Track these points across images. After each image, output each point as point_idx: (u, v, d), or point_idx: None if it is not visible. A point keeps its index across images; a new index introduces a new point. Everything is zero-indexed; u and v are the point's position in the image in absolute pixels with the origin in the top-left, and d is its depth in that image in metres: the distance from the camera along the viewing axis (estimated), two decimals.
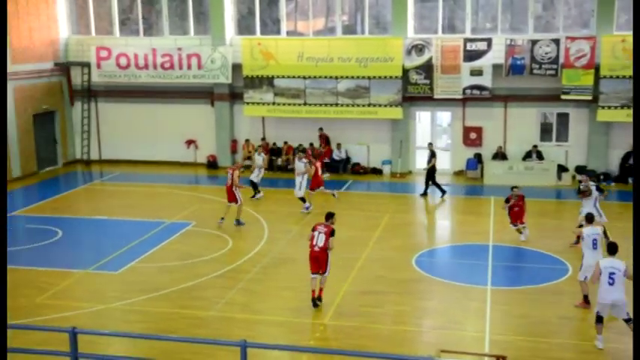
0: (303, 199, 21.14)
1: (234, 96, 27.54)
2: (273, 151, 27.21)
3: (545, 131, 25.61)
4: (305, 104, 26.35)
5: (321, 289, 13.88)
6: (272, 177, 26.32)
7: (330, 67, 25.87)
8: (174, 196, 22.36)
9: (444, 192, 22.75)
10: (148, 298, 14.32)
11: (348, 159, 26.94)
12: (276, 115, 26.94)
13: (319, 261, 13.73)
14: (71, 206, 22.15)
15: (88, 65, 28.05)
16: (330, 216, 14.12)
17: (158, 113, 28.25)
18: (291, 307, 13.97)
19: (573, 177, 24.27)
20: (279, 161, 27.06)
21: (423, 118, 27.48)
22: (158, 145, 28.25)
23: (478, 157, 25.94)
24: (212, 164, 27.71)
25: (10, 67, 25.05)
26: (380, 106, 25.73)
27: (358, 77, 25.76)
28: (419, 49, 25.19)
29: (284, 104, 26.50)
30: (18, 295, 14.52)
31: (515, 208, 17.88)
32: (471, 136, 26.03)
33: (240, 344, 7.68)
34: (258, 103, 26.70)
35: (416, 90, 25.49)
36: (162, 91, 28.00)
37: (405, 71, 25.35)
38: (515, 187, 18.19)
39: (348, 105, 26.02)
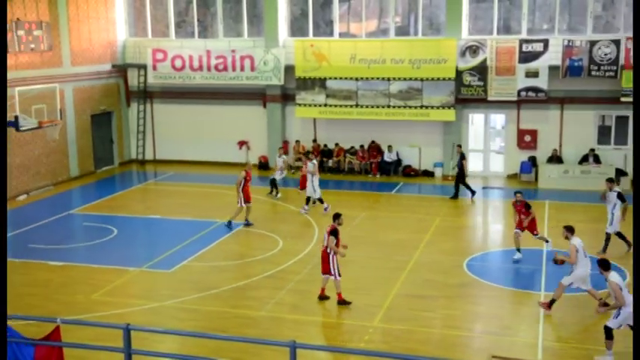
0: (321, 200, 21.20)
1: (286, 97, 27.69)
2: (324, 153, 27.24)
3: (603, 134, 24.95)
4: (357, 106, 26.31)
5: (338, 294, 13.92)
6: (322, 178, 26.32)
7: (383, 68, 25.77)
8: (226, 197, 22.57)
9: (473, 193, 22.67)
10: (200, 297, 14.49)
11: (399, 161, 26.77)
12: (328, 117, 26.97)
13: (322, 260, 14.11)
14: (126, 205, 22.61)
15: (144, 67, 28.61)
16: (335, 217, 14.24)
17: (211, 114, 28.62)
18: (341, 308, 13.94)
19: (632, 181, 23.58)
20: (330, 163, 27.08)
21: (476, 120, 27.13)
22: (211, 146, 28.61)
23: (533, 161, 25.46)
24: (263, 165, 27.91)
25: (70, 69, 25.75)
26: (432, 108, 25.50)
27: (411, 79, 25.58)
28: (473, 50, 24.87)
29: (336, 106, 26.52)
30: (74, 291, 14.89)
31: (522, 216, 16.58)
32: (526, 138, 25.57)
33: (289, 345, 7.68)
34: (309, 105, 26.79)
35: (469, 92, 25.18)
36: (215, 92, 28.36)
37: (459, 73, 25.07)
38: (519, 192, 17.05)
39: (400, 107, 25.87)
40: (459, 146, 23.76)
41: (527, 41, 24.46)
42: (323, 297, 14.18)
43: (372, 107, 26.15)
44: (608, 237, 16.93)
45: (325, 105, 26.62)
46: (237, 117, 28.37)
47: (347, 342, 12.32)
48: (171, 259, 17.00)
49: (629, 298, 11.45)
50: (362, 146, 26.73)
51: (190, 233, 18.91)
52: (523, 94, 24.63)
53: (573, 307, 13.90)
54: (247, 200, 19.71)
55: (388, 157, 26.66)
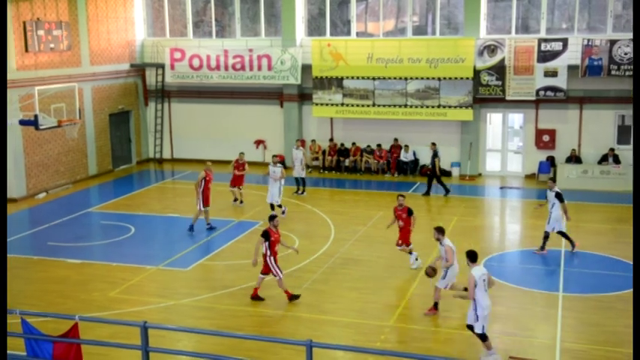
0: (279, 205, 20.66)
1: (303, 97, 27.71)
2: (340, 152, 27.22)
3: (623, 134, 24.70)
4: (374, 105, 26.26)
5: (285, 291, 14.03)
6: (339, 178, 26.36)
7: (400, 68, 25.70)
8: (242, 196, 22.60)
9: (447, 191, 22.97)
10: (216, 296, 14.53)
11: (416, 161, 26.68)
12: (345, 116, 26.95)
13: (264, 262, 14.09)
14: (144, 203, 22.72)
15: (162, 66, 28.75)
16: (271, 218, 14.26)
17: (228, 113, 28.71)
18: (357, 308, 13.93)
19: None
20: (347, 162, 27.05)
21: (494, 119, 26.96)
22: (228, 145, 28.66)
23: (551, 161, 25.26)
24: (280, 164, 27.87)
25: (89, 69, 25.94)
26: (450, 107, 25.39)
27: (428, 78, 25.49)
28: (491, 49, 24.73)
29: (353, 105, 26.49)
30: (92, 289, 14.99)
31: (400, 223, 15.68)
32: (544, 138, 25.38)
33: (305, 344, 7.67)
34: (326, 104, 26.78)
35: (487, 91, 25.04)
36: (232, 91, 28.44)
37: (477, 72, 24.94)
38: (401, 195, 16.23)
39: (417, 106, 25.79)
40: (434, 144, 23.66)
41: (546, 40, 24.28)
42: (256, 297, 14.13)
43: (389, 107, 26.09)
44: (545, 235, 16.98)
45: (342, 104, 26.60)
46: (254, 116, 28.43)
47: (363, 341, 12.29)
48: (187, 258, 17.07)
49: (482, 298, 11.32)
50: (379, 145, 26.67)
51: (207, 232, 18.99)
52: (542, 93, 24.46)
53: (593, 308, 13.77)
54: (206, 204, 19.13)
55: (405, 156, 26.57)
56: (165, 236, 19.44)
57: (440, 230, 13.42)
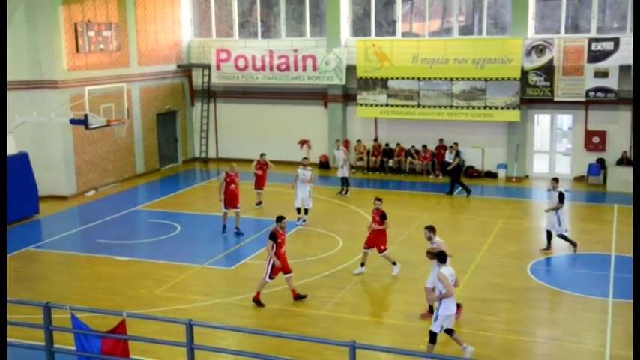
0: (305, 211, 19.94)
1: (347, 97, 27.68)
2: (385, 153, 27.11)
3: None
4: (419, 106, 26.08)
5: (257, 292, 14.13)
6: (384, 179, 26.26)
7: (446, 68, 25.48)
8: (286, 195, 22.67)
9: (469, 192, 22.99)
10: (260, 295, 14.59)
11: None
12: (389, 117, 26.83)
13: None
14: (189, 202, 22.98)
15: (208, 67, 29.06)
16: (278, 219, 14.16)
17: (273, 113, 28.86)
18: (401, 309, 13.85)
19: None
20: (391, 163, 26.92)
21: (542, 121, 26.51)
22: (272, 145, 28.75)
23: (601, 163, 24.72)
24: (324, 165, 27.95)
25: (137, 69, 26.37)
26: (496, 108, 25.06)
27: (474, 79, 25.21)
28: (539, 49, 24.32)
29: (397, 106, 26.36)
30: (139, 286, 15.22)
31: (374, 225, 15.46)
32: (594, 140, 24.85)
33: (349, 344, 7.66)
34: (371, 105, 26.71)
35: (535, 92, 24.64)
36: (277, 92, 28.59)
37: (524, 73, 24.57)
38: (378, 199, 15.82)
39: (462, 107, 25.53)
40: (456, 144, 24.19)
41: (597, 40, 23.77)
42: (298, 297, 14.16)
43: (435, 107, 25.88)
44: (563, 237, 17.09)
45: (387, 105, 26.49)
46: (298, 116, 28.52)
47: (407, 343, 12.20)
48: (231, 257, 17.21)
49: (451, 299, 11.28)
50: (425, 147, 26.47)
51: (251, 231, 19.09)
52: (592, 94, 23.96)
53: None
54: (227, 205, 18.81)
55: (449, 157, 26.28)
56: (209, 235, 19.60)
57: (431, 229, 13.31)
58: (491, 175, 25.99)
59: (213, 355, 11.54)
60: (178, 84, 29.28)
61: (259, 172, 21.50)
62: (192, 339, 8.26)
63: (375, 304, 14.14)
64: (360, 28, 27.73)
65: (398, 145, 26.98)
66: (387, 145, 27.28)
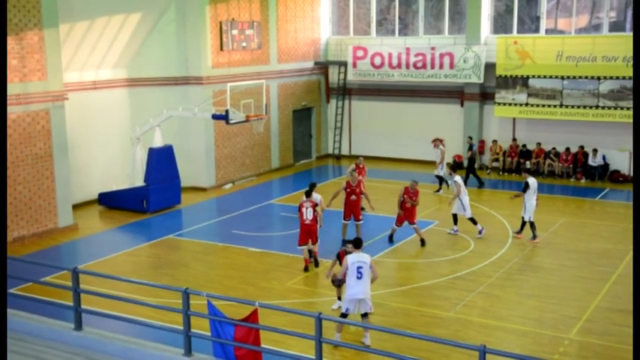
0: (474, 221, 18.45)
1: (484, 96, 26.99)
2: (522, 154, 26.18)
3: None
4: (561, 106, 24.97)
5: (315, 252, 15.86)
6: (520, 180, 25.31)
7: (593, 66, 24.20)
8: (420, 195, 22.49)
9: (482, 184, 23.94)
10: (388, 293, 14.57)
11: (606, 165, 24.99)
12: (529, 117, 25.88)
13: (311, 233, 15.79)
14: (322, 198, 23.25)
15: (344, 64, 29.34)
16: (310, 192, 16.05)
17: (407, 112, 28.67)
18: (534, 316, 13.34)
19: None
20: (528, 164, 25.95)
21: None
22: (406, 143, 28.68)
23: None
24: (458, 165, 27.32)
25: (276, 66, 27.07)
26: None
27: (624, 78, 23.77)
28: None
29: (538, 105, 25.37)
30: (271, 277, 15.65)
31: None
32: None
33: (479, 349, 7.47)
34: (510, 104, 25.89)
35: None
36: (412, 90, 28.37)
37: None
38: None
39: (610, 107, 24.16)
40: (470, 138, 25.66)
41: None
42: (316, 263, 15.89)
43: (579, 108, 24.67)
44: (529, 224, 17.89)
45: (526, 104, 25.57)
46: (433, 115, 28.15)
47: (539, 352, 11.73)
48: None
49: (351, 283, 11.80)
50: (567, 149, 25.28)
51: (382, 229, 19.06)
52: None
53: None
54: (347, 217, 17.80)
55: (592, 161, 25.00)
56: (340, 231, 19.76)
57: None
58: None
59: (339, 350, 11.66)
60: (315, 81, 29.78)
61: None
62: (321, 332, 8.37)
63: (505, 309, 13.70)
64: (501, 24, 26.93)
65: (538, 144, 25.93)
66: (524, 145, 26.32)
